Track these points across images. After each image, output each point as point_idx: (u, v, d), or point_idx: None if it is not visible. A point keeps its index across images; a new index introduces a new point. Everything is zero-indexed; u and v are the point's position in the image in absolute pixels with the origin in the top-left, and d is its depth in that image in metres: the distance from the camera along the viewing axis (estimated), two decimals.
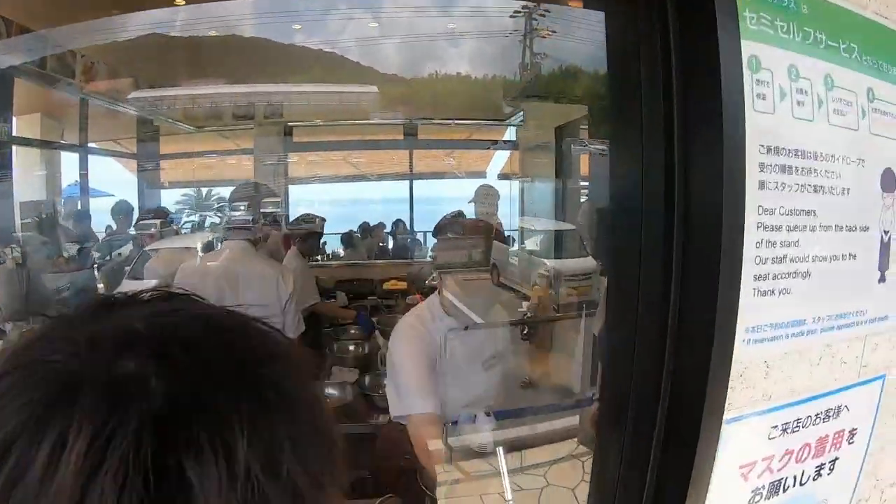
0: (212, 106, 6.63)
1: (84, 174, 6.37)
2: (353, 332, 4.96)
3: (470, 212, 4.92)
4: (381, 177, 8.04)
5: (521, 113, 7.03)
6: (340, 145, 7.69)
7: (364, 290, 6.14)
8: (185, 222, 7.69)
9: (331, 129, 7.60)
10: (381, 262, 7.43)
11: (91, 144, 6.63)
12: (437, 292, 2.62)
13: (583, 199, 6.37)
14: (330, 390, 3.96)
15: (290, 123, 7.30)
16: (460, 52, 7.04)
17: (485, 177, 7.87)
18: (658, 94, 1.19)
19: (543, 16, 6.33)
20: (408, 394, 2.45)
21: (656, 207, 1.20)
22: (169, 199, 7.72)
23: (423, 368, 2.44)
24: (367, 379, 4.16)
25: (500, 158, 8.02)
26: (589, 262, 5.49)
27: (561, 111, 6.42)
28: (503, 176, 7.72)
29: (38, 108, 5.94)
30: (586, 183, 6.00)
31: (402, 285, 5.85)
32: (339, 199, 7.59)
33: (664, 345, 1.20)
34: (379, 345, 4.49)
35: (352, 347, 4.78)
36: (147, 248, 5.59)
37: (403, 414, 2.45)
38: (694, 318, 1.17)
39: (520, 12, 6.37)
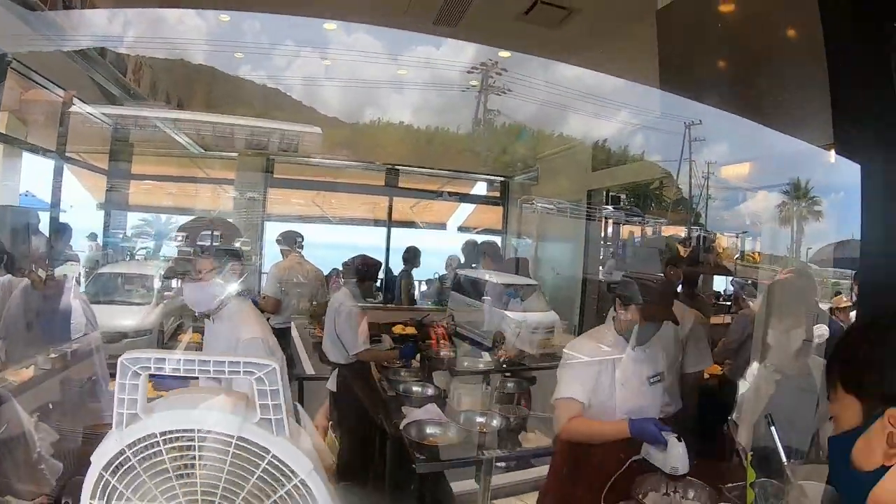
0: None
1: (58, 184, 5.00)
2: (403, 373, 4.49)
3: None
4: (348, 220, 7.20)
5: (536, 169, 6.67)
6: (318, 185, 6.80)
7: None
8: (140, 248, 6.41)
9: (308, 169, 6.73)
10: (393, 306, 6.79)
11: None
12: (611, 317, 2.80)
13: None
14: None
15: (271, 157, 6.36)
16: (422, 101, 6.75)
17: (445, 228, 7.35)
18: None
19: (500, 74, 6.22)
20: (560, 381, 2.67)
21: None
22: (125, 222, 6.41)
23: (582, 366, 2.67)
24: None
25: (462, 211, 7.54)
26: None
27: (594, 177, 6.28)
28: (463, 229, 7.32)
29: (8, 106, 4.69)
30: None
31: (412, 330, 5.20)
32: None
33: None
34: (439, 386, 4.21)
35: (416, 388, 4.17)
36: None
37: (555, 397, 2.66)
38: None
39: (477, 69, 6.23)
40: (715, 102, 3.60)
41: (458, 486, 3.91)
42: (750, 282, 5.87)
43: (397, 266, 6.89)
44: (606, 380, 2.65)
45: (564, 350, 2.83)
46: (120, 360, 1.12)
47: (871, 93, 1.81)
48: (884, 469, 0.92)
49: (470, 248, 6.53)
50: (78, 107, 4.92)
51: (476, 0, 3.95)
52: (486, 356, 4.97)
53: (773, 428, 2.32)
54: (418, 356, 4.60)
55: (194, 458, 1.09)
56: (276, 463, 1.07)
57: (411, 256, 6.72)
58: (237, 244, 3.02)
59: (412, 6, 4.07)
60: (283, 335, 4.92)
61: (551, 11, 4.18)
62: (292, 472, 1.07)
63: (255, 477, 1.07)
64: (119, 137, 5.59)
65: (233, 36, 4.95)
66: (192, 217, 6.37)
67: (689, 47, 3.21)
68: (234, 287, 2.64)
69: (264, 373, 1.08)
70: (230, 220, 5.93)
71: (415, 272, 6.79)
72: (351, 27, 4.75)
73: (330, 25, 4.45)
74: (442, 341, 4.85)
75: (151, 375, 1.13)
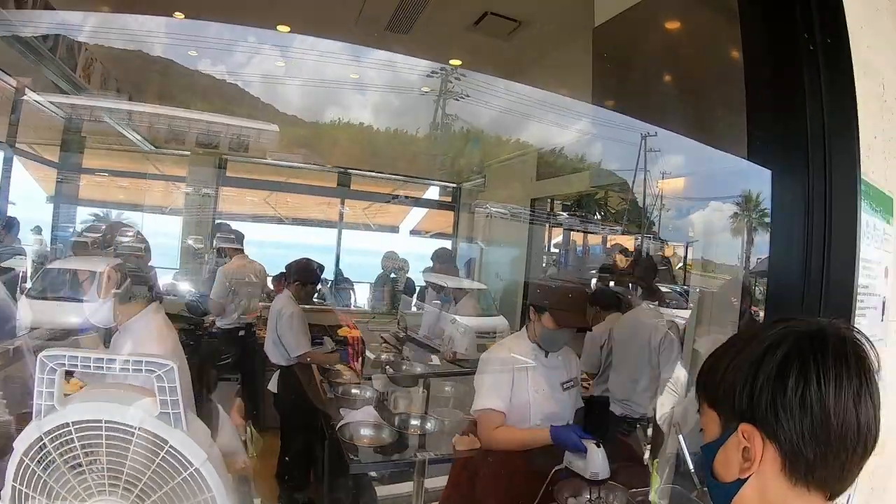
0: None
1: (7, 175, 4.98)
2: (346, 376, 4.54)
3: None
4: (302, 221, 7.27)
5: (483, 177, 6.80)
6: (272, 185, 6.84)
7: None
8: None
9: (262, 168, 6.76)
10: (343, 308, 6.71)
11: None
12: (525, 325, 2.92)
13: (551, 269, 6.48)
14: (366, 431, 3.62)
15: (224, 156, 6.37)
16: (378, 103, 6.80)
17: (397, 231, 7.49)
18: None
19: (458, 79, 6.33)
20: (479, 392, 2.78)
21: None
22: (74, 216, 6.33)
23: (499, 375, 2.77)
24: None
25: (415, 215, 7.66)
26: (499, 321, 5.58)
27: (538, 186, 6.40)
28: (415, 232, 7.45)
29: None
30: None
31: (357, 333, 5.21)
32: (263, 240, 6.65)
33: None
34: (377, 388, 4.28)
35: (355, 391, 4.29)
36: None
37: (476, 408, 2.76)
38: None
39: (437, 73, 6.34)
40: (642, 118, 3.81)
41: (394, 489, 4.07)
42: (699, 290, 6.07)
43: (347, 268, 7.00)
44: (521, 386, 2.75)
45: (481, 358, 2.96)
46: (39, 356, 1.26)
47: (782, 106, 1.96)
48: (740, 482, 1.00)
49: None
50: (29, 96, 4.92)
51: (426, 10, 4.10)
52: (435, 359, 5.09)
53: (680, 436, 2.50)
54: (360, 359, 4.71)
55: (103, 446, 1.24)
56: (174, 452, 1.23)
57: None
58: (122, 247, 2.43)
59: (364, 13, 4.20)
60: (230, 336, 5.00)
61: (501, 23, 4.36)
62: (188, 461, 1.23)
63: (155, 465, 1.23)
64: (71, 129, 5.58)
65: (191, 31, 5.01)
66: (141, 212, 6.40)
67: (619, 65, 3.39)
68: (133, 295, 2.23)
69: (163, 371, 1.24)
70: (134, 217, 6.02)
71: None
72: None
73: (284, 28, 4.53)
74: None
75: None
